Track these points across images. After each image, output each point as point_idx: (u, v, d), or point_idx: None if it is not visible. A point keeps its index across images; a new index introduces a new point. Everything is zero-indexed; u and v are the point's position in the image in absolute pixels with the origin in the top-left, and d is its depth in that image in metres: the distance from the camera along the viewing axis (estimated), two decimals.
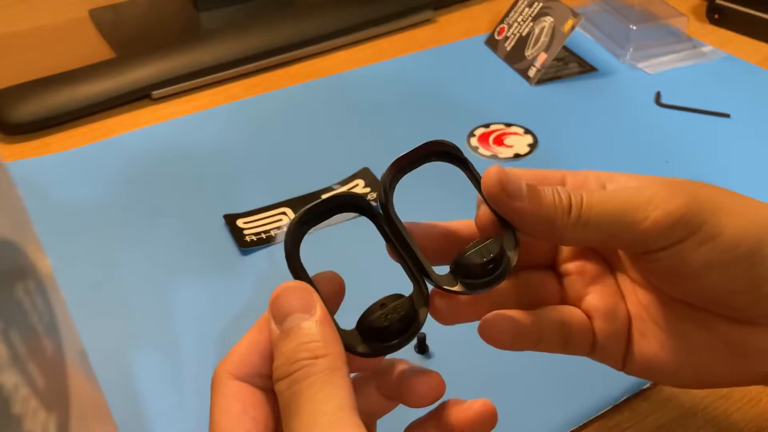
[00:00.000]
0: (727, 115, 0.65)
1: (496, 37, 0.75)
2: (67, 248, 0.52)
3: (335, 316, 0.29)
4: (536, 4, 0.73)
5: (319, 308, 0.28)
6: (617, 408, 0.42)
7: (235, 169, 0.60)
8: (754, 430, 0.41)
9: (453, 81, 0.71)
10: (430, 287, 0.31)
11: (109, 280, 0.50)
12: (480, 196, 0.32)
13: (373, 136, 0.64)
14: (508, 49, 0.73)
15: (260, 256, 0.52)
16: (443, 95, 0.69)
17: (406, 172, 0.32)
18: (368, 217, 0.32)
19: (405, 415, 0.32)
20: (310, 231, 0.31)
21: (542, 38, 0.71)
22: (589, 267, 0.34)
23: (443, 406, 0.31)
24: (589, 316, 0.34)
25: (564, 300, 0.35)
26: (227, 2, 0.80)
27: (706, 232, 0.30)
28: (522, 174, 0.32)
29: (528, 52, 0.71)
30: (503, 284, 0.31)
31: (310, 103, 0.68)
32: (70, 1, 0.82)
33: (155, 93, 0.69)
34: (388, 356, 0.31)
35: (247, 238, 0.53)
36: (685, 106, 0.66)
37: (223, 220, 0.54)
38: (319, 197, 0.36)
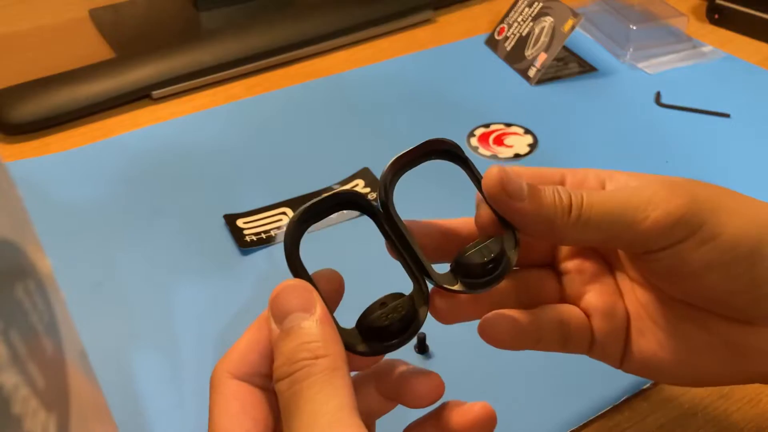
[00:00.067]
0: (727, 115, 0.65)
1: (496, 37, 0.75)
2: (67, 248, 0.52)
3: (335, 314, 0.29)
4: (536, 4, 0.73)
5: (319, 307, 0.28)
6: (617, 408, 0.42)
7: (235, 169, 0.60)
8: (754, 430, 0.41)
9: (453, 81, 0.71)
10: (430, 286, 0.31)
11: (109, 280, 0.50)
12: (480, 195, 0.32)
13: (373, 136, 0.64)
14: (508, 49, 0.73)
15: (260, 256, 0.52)
16: (443, 95, 0.69)
17: (406, 170, 0.32)
18: (368, 215, 0.32)
19: (404, 415, 0.32)
20: (310, 230, 0.30)
21: (542, 38, 0.71)
22: (588, 266, 0.34)
23: (443, 408, 0.31)
24: (587, 315, 0.34)
25: (563, 298, 0.35)
26: (227, 2, 0.80)
27: (706, 232, 0.30)
28: (522, 172, 0.32)
29: (528, 52, 0.71)
30: (503, 283, 0.31)
31: (310, 103, 0.68)
32: (70, 1, 0.82)
33: (155, 93, 0.69)
34: (388, 356, 0.31)
35: (247, 238, 0.53)
36: (685, 106, 0.66)
37: (223, 220, 0.54)
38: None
